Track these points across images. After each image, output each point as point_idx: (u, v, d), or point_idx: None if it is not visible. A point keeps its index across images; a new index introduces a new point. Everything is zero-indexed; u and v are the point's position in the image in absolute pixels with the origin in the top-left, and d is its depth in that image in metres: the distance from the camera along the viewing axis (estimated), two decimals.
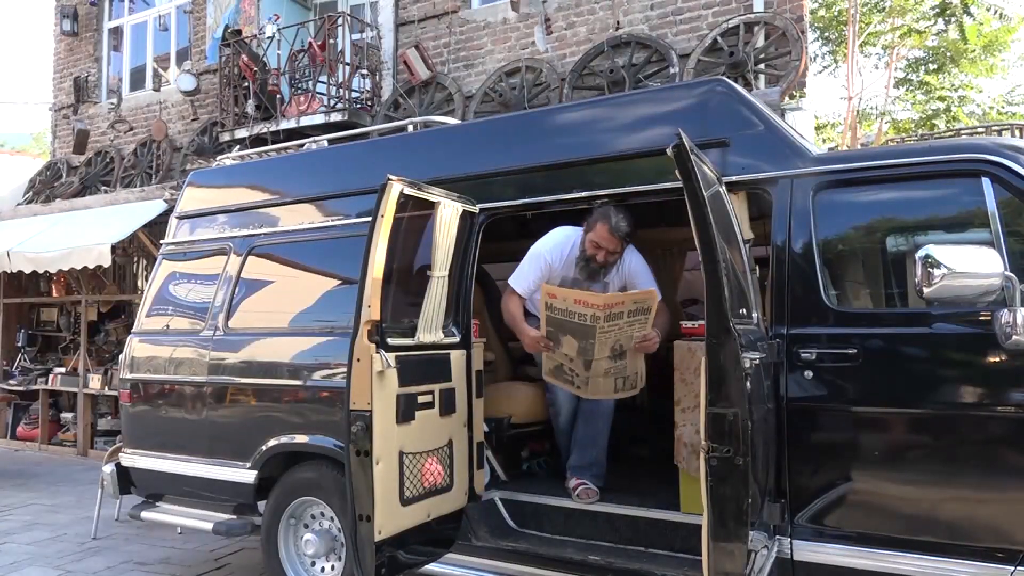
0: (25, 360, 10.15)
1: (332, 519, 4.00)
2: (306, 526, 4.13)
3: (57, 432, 9.73)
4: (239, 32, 9.67)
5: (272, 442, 4.11)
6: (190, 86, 10.31)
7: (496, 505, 3.91)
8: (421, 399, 3.37)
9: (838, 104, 24.23)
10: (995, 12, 12.23)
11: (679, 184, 2.64)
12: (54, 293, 10.31)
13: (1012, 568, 2.59)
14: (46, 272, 8.48)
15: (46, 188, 11.89)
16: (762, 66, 7.28)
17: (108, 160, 11.45)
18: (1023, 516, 2.63)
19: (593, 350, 3.63)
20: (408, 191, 3.32)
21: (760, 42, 7.28)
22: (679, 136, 2.62)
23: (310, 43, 9.04)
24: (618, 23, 7.93)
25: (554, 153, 3.78)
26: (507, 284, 4.02)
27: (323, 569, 4.04)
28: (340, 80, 9.06)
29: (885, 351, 2.90)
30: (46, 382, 9.63)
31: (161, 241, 5.24)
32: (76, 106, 12.05)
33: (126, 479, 4.85)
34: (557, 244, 3.90)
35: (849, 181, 3.11)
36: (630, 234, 3.64)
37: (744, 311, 2.91)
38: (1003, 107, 13.44)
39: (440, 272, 3.58)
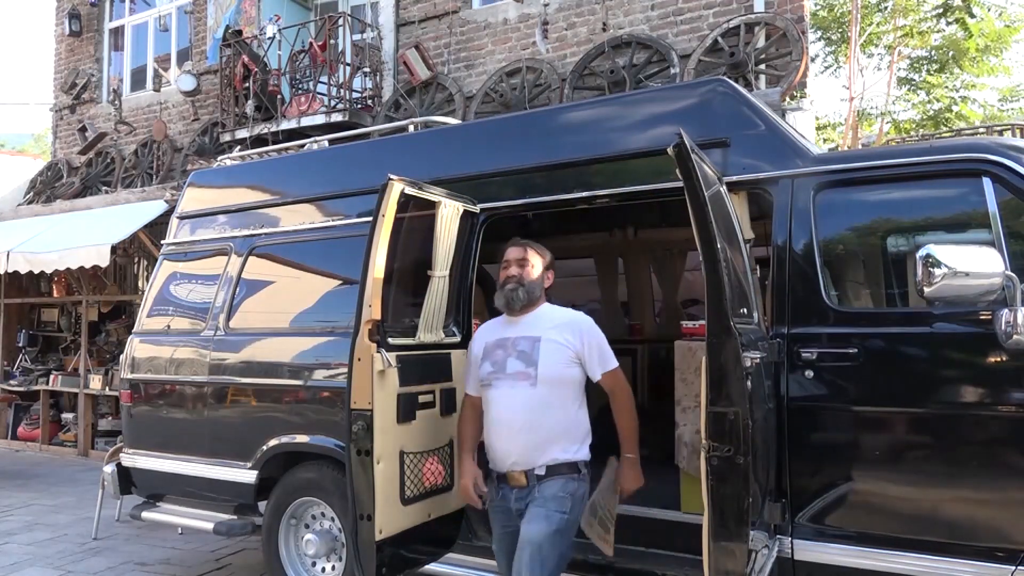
0: (26, 360, 10.15)
1: (333, 519, 4.00)
2: (307, 526, 4.13)
3: (58, 432, 9.74)
4: (240, 32, 9.67)
5: (273, 442, 4.11)
6: (190, 86, 10.32)
7: None
8: (422, 399, 3.37)
9: (839, 104, 24.22)
10: (998, 13, 12.23)
11: (680, 184, 2.64)
12: (55, 293, 10.31)
13: (1013, 568, 2.59)
14: (47, 272, 8.48)
15: (47, 188, 11.90)
16: (763, 66, 7.28)
17: (109, 160, 11.45)
18: (1023, 516, 2.63)
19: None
20: (409, 191, 3.32)
21: (761, 43, 7.28)
22: (680, 136, 2.62)
23: (311, 43, 9.04)
24: (604, 25, 7.92)
25: (554, 153, 3.79)
26: None
27: (324, 569, 4.04)
28: (341, 80, 9.07)
29: (886, 351, 2.90)
30: (47, 382, 9.63)
31: (162, 241, 5.25)
32: (75, 106, 12.05)
33: (127, 479, 4.85)
34: (478, 331, 3.26)
35: (850, 181, 3.11)
36: (534, 245, 3.08)
37: (745, 311, 2.91)
38: (1004, 105, 13.43)
39: (441, 272, 3.58)
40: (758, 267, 3.33)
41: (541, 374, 2.84)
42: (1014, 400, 2.66)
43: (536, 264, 3.00)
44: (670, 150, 2.62)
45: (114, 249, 7.82)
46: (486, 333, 3.07)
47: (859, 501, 2.91)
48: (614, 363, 2.94)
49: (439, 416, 3.47)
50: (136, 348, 4.92)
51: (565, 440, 2.86)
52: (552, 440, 2.82)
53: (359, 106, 9.07)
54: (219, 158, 5.74)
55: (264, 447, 4.13)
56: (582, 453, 2.89)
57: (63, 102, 12.33)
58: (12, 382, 9.89)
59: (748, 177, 3.28)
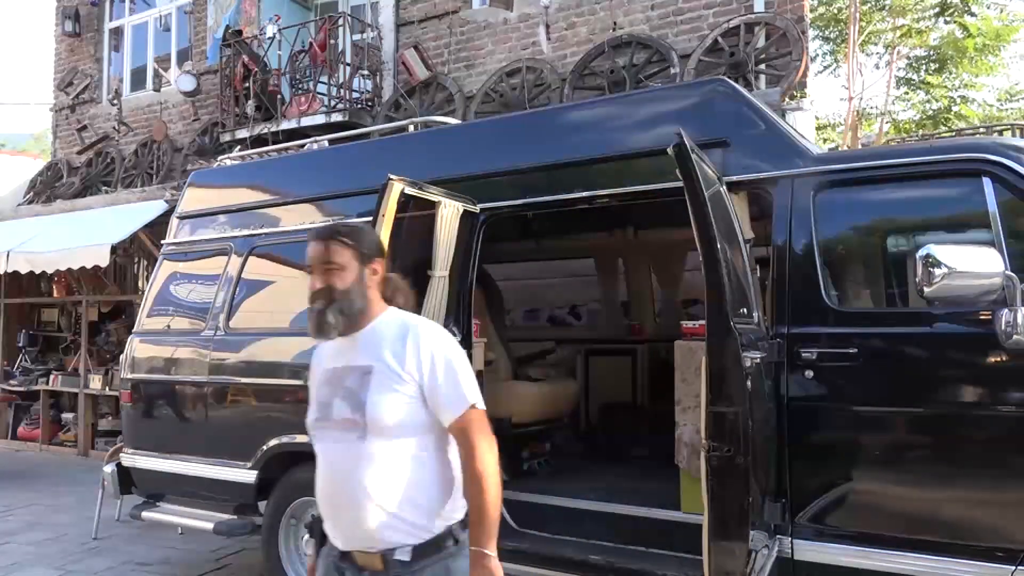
0: (26, 360, 10.15)
1: None
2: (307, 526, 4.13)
3: (58, 432, 9.74)
4: (240, 32, 9.67)
5: (273, 442, 4.11)
6: (190, 87, 10.31)
7: None
8: None
9: (839, 104, 24.24)
10: (998, 11, 12.25)
11: (680, 184, 2.65)
12: (55, 294, 10.31)
13: (1012, 568, 2.59)
14: (47, 272, 8.49)
15: (47, 188, 11.89)
16: (763, 66, 7.28)
17: (109, 160, 11.45)
18: (1023, 516, 2.63)
19: None
20: (409, 191, 3.33)
21: (761, 42, 7.28)
22: (679, 136, 2.63)
23: (311, 43, 9.04)
24: (615, 24, 7.92)
25: (555, 153, 3.79)
26: None
27: None
28: (341, 80, 9.07)
29: (885, 351, 2.90)
30: (47, 382, 9.64)
31: (162, 241, 5.25)
32: (74, 106, 12.05)
33: (127, 479, 4.85)
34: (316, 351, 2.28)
35: (850, 181, 3.11)
36: (342, 234, 2.09)
37: (745, 311, 2.92)
38: (1003, 105, 13.44)
39: (441, 272, 3.58)
40: (758, 267, 3.33)
41: (371, 421, 1.96)
42: (1014, 400, 2.66)
43: (348, 264, 2.08)
44: (670, 150, 2.63)
45: (114, 249, 7.82)
46: (320, 358, 2.20)
47: (859, 501, 2.91)
48: (472, 399, 2.02)
49: None
50: (136, 348, 4.92)
51: (423, 509, 1.98)
52: (402, 514, 1.96)
53: (359, 106, 9.07)
54: (219, 158, 5.74)
55: (264, 447, 4.13)
56: (454, 515, 2.04)
57: (63, 102, 12.33)
58: (12, 382, 9.89)
59: (748, 177, 3.28)
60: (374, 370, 2.01)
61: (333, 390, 2.07)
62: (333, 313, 2.03)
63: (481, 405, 2.03)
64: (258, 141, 8.91)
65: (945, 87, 13.05)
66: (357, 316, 2.06)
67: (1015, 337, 2.50)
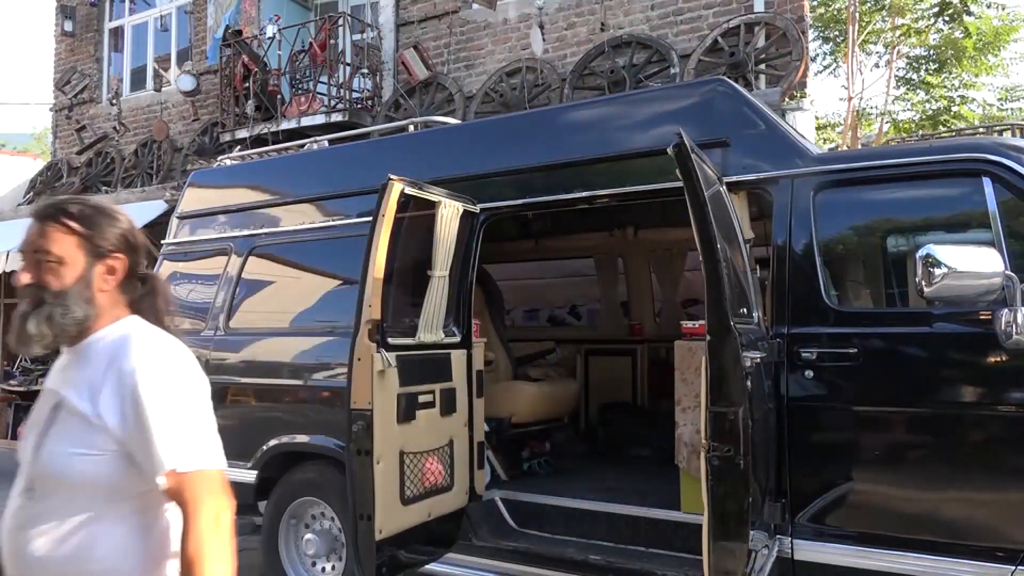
0: (26, 360, 10.15)
1: (333, 519, 4.00)
2: (307, 526, 4.12)
3: None
4: (240, 32, 9.67)
5: (273, 442, 4.11)
6: (190, 86, 10.32)
7: (497, 505, 3.92)
8: (422, 399, 3.37)
9: (838, 104, 24.24)
10: (998, 9, 12.24)
11: (680, 184, 2.65)
12: None
13: (1012, 568, 2.59)
14: None
15: (47, 188, 11.89)
16: (763, 66, 7.28)
17: (109, 161, 11.46)
18: (1023, 516, 2.63)
19: None
20: (409, 191, 3.32)
21: (761, 42, 7.27)
22: (679, 136, 2.63)
23: (311, 43, 9.04)
24: (602, 25, 7.92)
25: (554, 153, 3.79)
26: None
27: (324, 569, 4.04)
28: (341, 80, 9.07)
29: (885, 351, 2.90)
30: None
31: (162, 241, 5.24)
32: (74, 105, 12.05)
33: None
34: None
35: (850, 181, 3.11)
36: (68, 215, 1.53)
37: (744, 310, 2.92)
38: (1003, 105, 13.44)
39: (441, 272, 3.58)
40: (758, 267, 3.33)
41: (38, 473, 1.51)
42: (1014, 400, 2.66)
43: (71, 256, 1.52)
44: (670, 150, 2.62)
45: None
46: (52, 370, 1.66)
47: (859, 501, 2.91)
48: (187, 459, 1.55)
49: (439, 416, 3.48)
50: None
51: None
52: None
53: (359, 106, 9.07)
54: (219, 158, 5.74)
55: (264, 447, 4.13)
56: None
57: (63, 102, 12.33)
58: (12, 382, 9.90)
59: (748, 177, 3.28)
60: (63, 406, 1.51)
61: (33, 421, 1.57)
62: (37, 321, 1.49)
63: (208, 464, 1.58)
64: (258, 141, 8.91)
65: (945, 87, 13.05)
66: (72, 328, 1.52)
67: (1015, 337, 2.50)
